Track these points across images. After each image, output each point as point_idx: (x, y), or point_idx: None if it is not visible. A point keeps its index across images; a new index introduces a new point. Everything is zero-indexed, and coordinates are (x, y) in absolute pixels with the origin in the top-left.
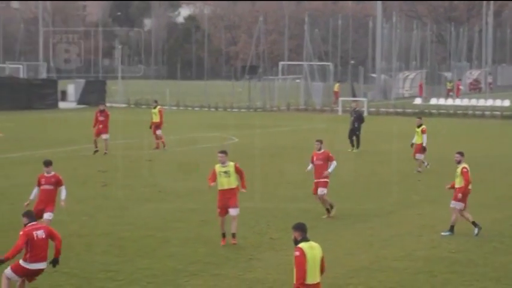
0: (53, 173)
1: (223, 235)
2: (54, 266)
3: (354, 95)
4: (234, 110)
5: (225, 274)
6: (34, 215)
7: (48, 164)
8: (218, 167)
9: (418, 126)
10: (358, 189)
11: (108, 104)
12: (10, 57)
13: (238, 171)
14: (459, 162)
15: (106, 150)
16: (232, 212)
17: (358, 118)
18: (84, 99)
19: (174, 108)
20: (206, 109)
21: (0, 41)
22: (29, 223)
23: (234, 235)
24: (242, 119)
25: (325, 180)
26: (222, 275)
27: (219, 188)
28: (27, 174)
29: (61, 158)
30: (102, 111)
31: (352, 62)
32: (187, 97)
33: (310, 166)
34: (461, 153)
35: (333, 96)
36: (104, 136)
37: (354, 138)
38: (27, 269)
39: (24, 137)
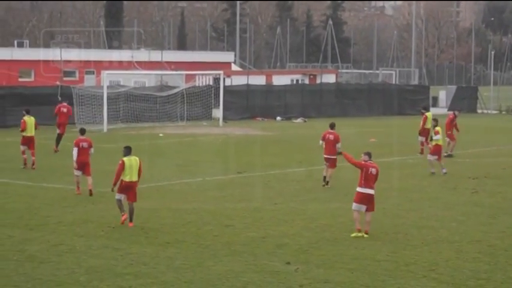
0: None
1: None
2: None
3: None
4: None
5: None
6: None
7: None
8: None
9: None
10: None
11: (479, 111)
12: (383, 64)
13: None
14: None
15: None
16: None
17: None
18: (455, 105)
19: None
20: None
21: (374, 48)
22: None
23: None
24: None
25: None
26: None
27: None
28: (403, 179)
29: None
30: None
31: None
32: None
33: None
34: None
35: None
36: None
37: None
38: (360, 192)
39: (395, 143)
